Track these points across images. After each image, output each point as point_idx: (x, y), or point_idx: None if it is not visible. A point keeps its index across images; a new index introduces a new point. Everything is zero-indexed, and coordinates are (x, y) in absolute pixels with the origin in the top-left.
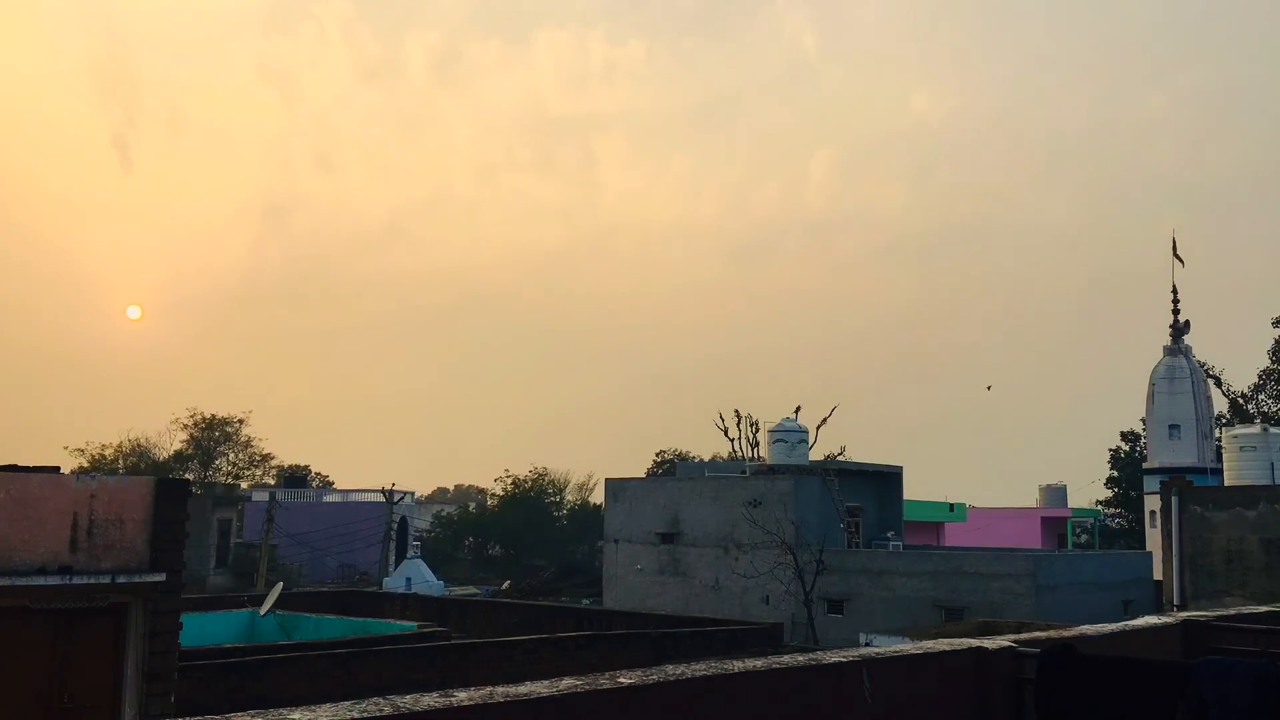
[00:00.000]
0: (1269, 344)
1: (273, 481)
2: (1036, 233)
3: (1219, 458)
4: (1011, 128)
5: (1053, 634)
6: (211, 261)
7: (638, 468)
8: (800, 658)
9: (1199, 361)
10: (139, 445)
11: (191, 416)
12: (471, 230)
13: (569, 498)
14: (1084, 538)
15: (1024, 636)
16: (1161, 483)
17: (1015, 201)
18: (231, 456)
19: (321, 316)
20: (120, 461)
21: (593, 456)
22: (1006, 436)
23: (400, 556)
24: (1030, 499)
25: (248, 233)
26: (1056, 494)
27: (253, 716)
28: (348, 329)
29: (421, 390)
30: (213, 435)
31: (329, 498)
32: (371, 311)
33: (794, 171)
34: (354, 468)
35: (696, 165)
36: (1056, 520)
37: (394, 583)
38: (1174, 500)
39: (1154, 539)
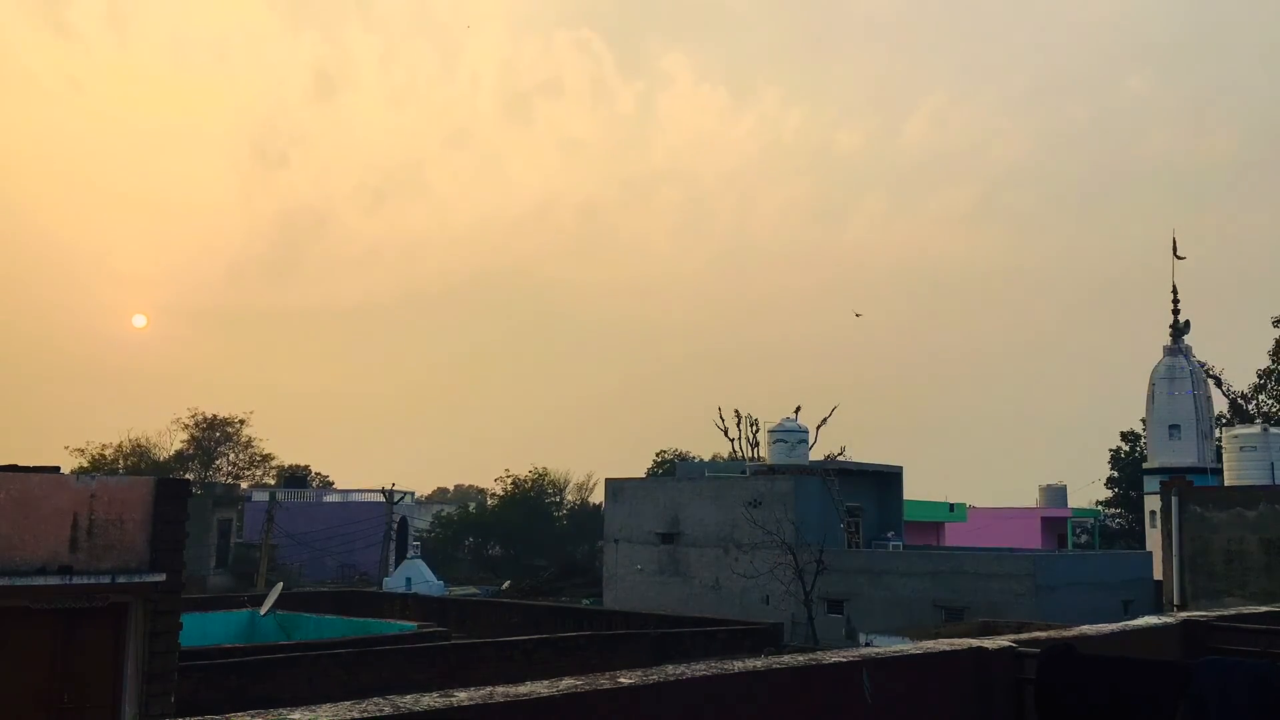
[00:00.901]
0: (1269, 344)
1: (273, 481)
2: (1037, 230)
3: (1219, 458)
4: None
5: (1053, 634)
6: (203, 231)
7: (638, 468)
8: (800, 658)
9: (1199, 361)
10: (139, 445)
11: (192, 416)
12: (495, 177)
13: (569, 498)
14: (1084, 538)
15: (1024, 636)
16: (1161, 483)
17: (1007, 201)
18: (231, 456)
19: (321, 297)
20: (120, 461)
21: (593, 456)
22: (1006, 436)
23: (400, 556)
24: (1030, 499)
25: (238, 188)
26: (1056, 494)
27: (253, 716)
28: (347, 319)
29: (422, 389)
30: (213, 435)
31: (329, 498)
32: (372, 297)
33: (895, 110)
34: (354, 468)
35: (784, 94)
36: (1056, 520)
37: (394, 583)
38: (1174, 500)
39: (1154, 539)
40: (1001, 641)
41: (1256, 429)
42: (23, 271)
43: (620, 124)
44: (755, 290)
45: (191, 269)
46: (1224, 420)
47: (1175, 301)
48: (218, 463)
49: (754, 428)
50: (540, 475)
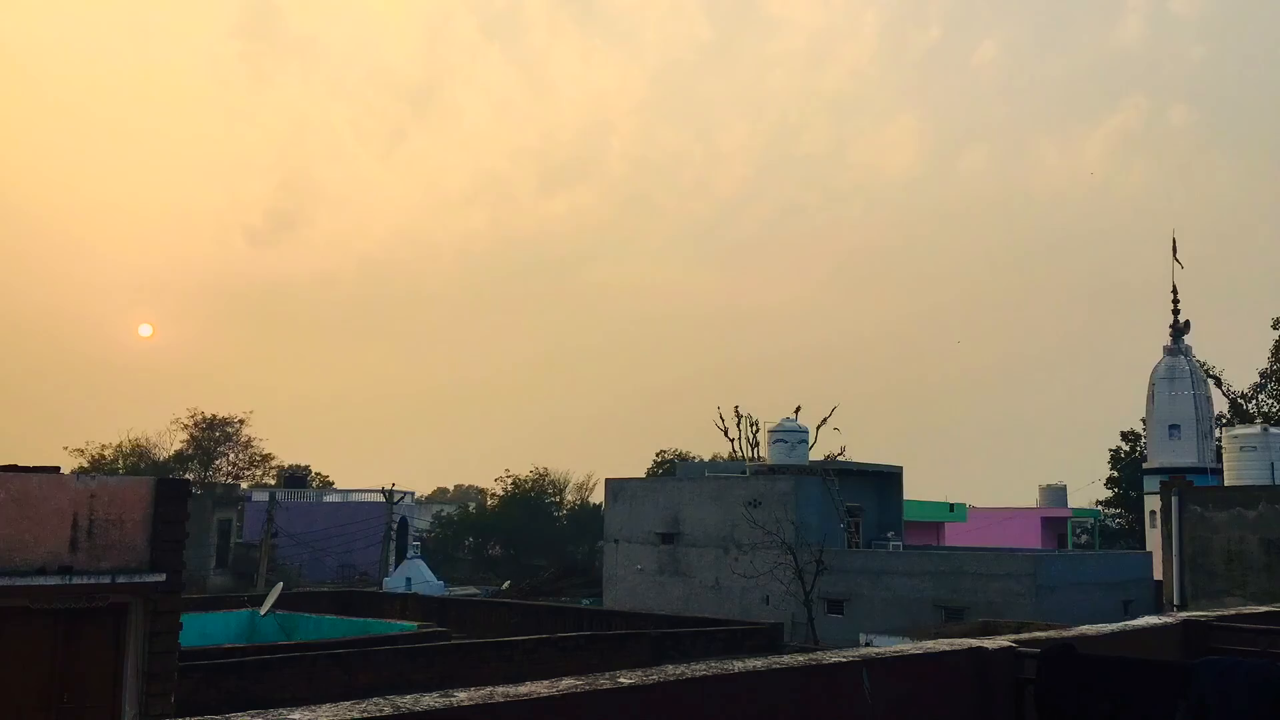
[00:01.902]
0: (1269, 344)
1: (273, 481)
2: (1036, 232)
3: (1219, 458)
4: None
5: (1053, 634)
6: (196, 191)
7: (638, 468)
8: (800, 658)
9: (1199, 361)
10: (139, 445)
11: (191, 416)
12: (536, 96)
13: (569, 498)
14: (1084, 538)
15: (1024, 636)
16: (1161, 483)
17: (1016, 196)
18: (231, 456)
19: (322, 281)
20: (120, 461)
21: (593, 456)
22: (1006, 436)
23: (400, 556)
24: (1030, 499)
25: (231, 129)
26: (1056, 494)
27: (253, 716)
28: (348, 318)
29: (422, 390)
30: (213, 435)
31: (329, 498)
32: (374, 288)
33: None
34: (354, 468)
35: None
36: (1056, 520)
37: (394, 583)
38: (1174, 500)
39: (1154, 539)
40: (1001, 641)
41: (1256, 429)
42: (19, 267)
43: (706, 17)
44: (805, 261)
45: (187, 249)
46: (1224, 420)
47: (1175, 301)
48: (217, 463)
49: (754, 428)
50: (540, 475)
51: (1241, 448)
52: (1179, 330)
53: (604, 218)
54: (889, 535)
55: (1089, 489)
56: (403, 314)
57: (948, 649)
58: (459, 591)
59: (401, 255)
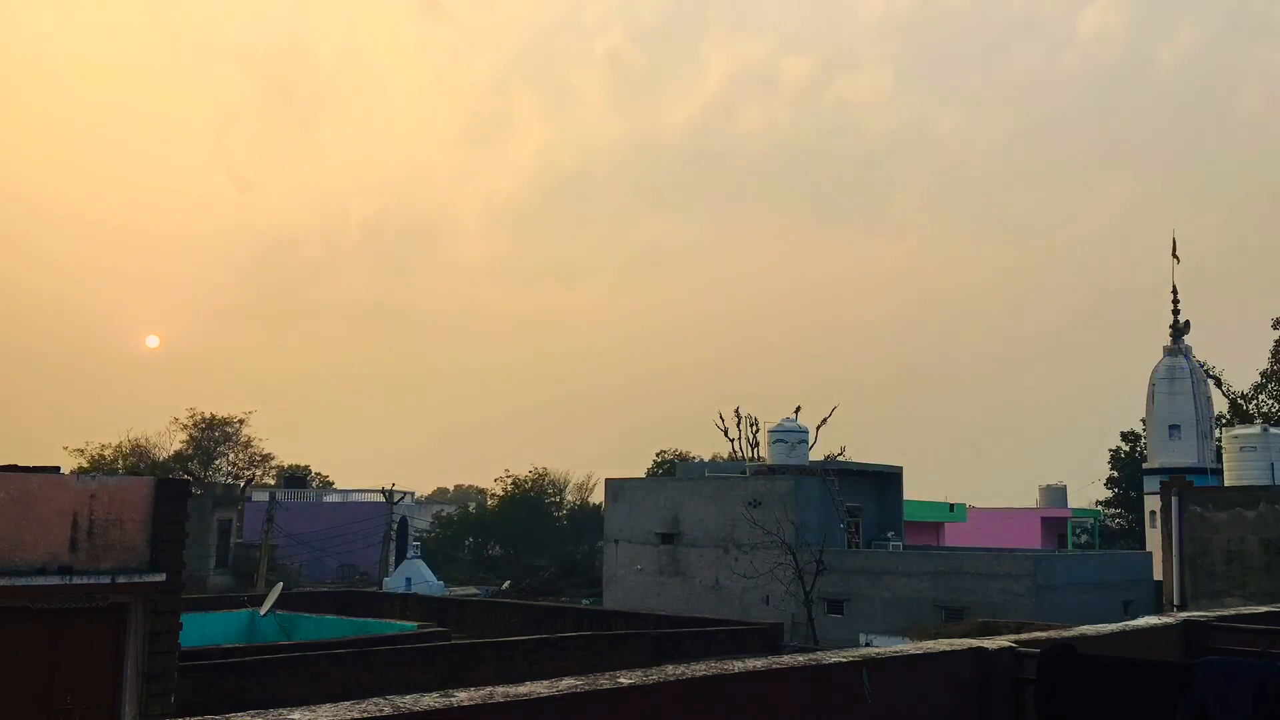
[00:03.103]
0: (1269, 344)
1: (273, 481)
2: (1037, 231)
3: (1219, 458)
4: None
5: (1053, 634)
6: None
7: (638, 468)
8: (800, 658)
9: (1199, 361)
10: (139, 445)
11: (191, 416)
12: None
13: (569, 498)
14: (1084, 538)
15: (1024, 637)
16: (1161, 483)
17: (1013, 201)
18: (231, 456)
19: (317, 225)
20: (120, 461)
21: (593, 456)
22: (1006, 436)
23: (400, 556)
24: (1030, 499)
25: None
26: (1056, 494)
27: (253, 716)
28: (349, 316)
29: (422, 389)
30: (213, 435)
31: (329, 498)
32: (376, 285)
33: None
34: (354, 468)
35: None
36: (1056, 520)
37: (394, 583)
38: (1174, 500)
39: (1154, 539)
40: (1001, 641)
41: (1256, 429)
42: (17, 263)
43: None
44: (883, 221)
45: (180, 220)
46: (1224, 420)
47: (1175, 301)
48: (217, 463)
49: (754, 428)
50: (540, 475)
51: (1241, 448)
52: (1179, 330)
53: (671, 156)
54: (889, 535)
55: (1089, 489)
56: (402, 306)
57: (948, 649)
58: (459, 591)
59: (410, 215)
